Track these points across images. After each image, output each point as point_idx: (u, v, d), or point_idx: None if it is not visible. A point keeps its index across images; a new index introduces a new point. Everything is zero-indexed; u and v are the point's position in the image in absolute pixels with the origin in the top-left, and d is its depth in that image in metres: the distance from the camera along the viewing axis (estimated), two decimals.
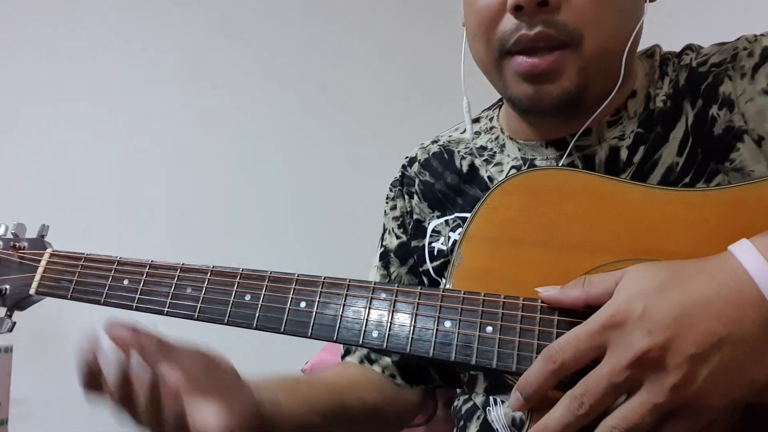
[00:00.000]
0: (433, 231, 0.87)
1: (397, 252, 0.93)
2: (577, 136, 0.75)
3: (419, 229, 0.90)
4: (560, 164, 0.77)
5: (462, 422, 0.80)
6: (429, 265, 0.87)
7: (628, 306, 0.51)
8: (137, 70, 2.00)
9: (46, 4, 1.92)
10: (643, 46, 0.81)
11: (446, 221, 0.85)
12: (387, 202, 0.96)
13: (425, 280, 0.89)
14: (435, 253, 0.86)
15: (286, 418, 0.73)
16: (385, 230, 0.96)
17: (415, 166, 0.93)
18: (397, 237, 0.94)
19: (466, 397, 0.81)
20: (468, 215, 0.70)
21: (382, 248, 0.95)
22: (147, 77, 2.01)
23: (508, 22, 0.70)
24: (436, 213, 0.87)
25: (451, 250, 0.83)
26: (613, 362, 0.50)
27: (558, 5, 0.68)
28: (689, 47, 0.79)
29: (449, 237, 0.84)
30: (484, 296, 0.62)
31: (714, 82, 0.73)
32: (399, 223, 0.94)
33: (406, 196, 0.93)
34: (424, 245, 0.88)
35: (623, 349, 0.50)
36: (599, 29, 0.69)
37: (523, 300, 0.61)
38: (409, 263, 0.92)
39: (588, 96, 0.72)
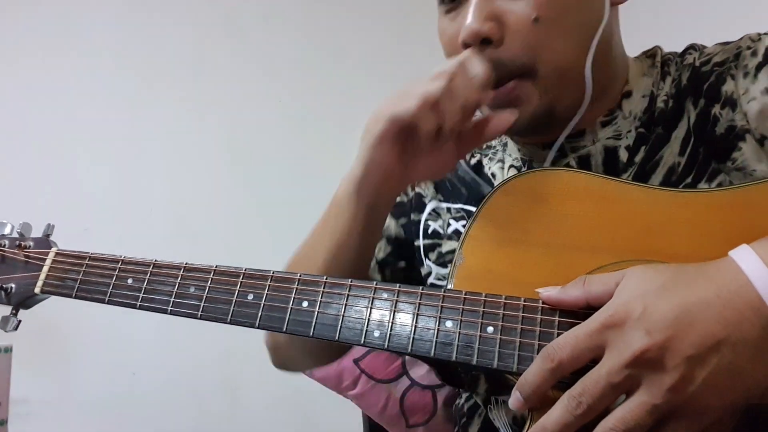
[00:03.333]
0: (432, 211, 0.87)
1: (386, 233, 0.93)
2: (562, 137, 0.76)
3: (419, 204, 0.90)
4: (551, 166, 0.77)
5: (464, 420, 0.80)
6: (421, 242, 0.87)
7: (628, 306, 0.51)
8: (138, 69, 2.01)
9: (46, 3, 1.93)
10: (645, 46, 0.82)
11: (448, 208, 0.86)
12: None
13: (415, 256, 0.89)
14: (429, 231, 0.86)
15: None
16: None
17: None
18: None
19: (468, 395, 0.81)
20: (472, 208, 0.70)
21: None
22: (147, 77, 2.02)
23: None
24: (439, 196, 0.88)
25: (449, 236, 0.84)
26: (611, 362, 0.50)
27: (501, 39, 0.69)
28: (692, 47, 0.79)
29: (449, 223, 0.85)
30: (485, 296, 0.62)
31: (716, 82, 0.73)
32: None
33: None
34: (420, 220, 0.88)
35: (622, 348, 0.50)
36: (549, 53, 0.70)
37: (524, 300, 0.61)
38: (402, 221, 0.92)
39: (559, 110, 0.73)
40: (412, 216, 0.91)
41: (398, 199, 0.93)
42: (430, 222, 0.87)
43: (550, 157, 0.78)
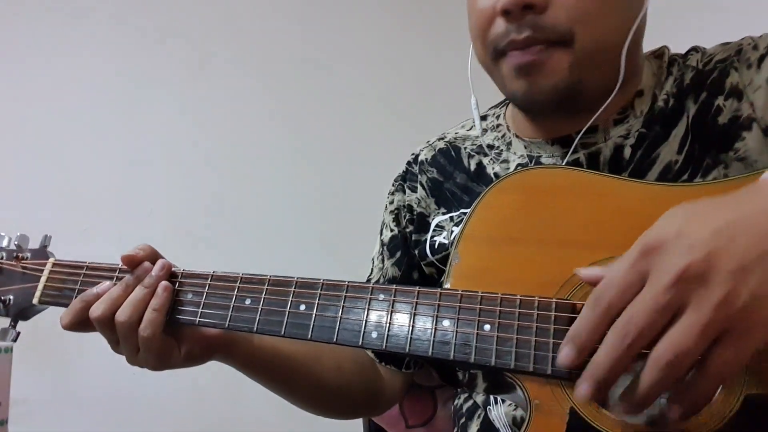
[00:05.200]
0: (437, 226, 0.88)
1: (389, 245, 0.95)
2: (581, 133, 0.75)
3: (423, 224, 0.90)
4: (565, 161, 0.77)
5: (463, 420, 0.80)
6: (432, 258, 0.87)
7: (662, 231, 0.50)
8: (137, 69, 2.00)
9: (46, 3, 1.92)
10: (650, 46, 0.82)
11: (451, 217, 0.86)
12: (388, 197, 0.98)
13: (427, 271, 0.89)
14: (436, 246, 0.86)
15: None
16: (383, 225, 0.98)
17: (422, 162, 0.94)
18: (391, 230, 0.95)
19: (467, 395, 0.81)
20: None
21: (380, 242, 0.97)
22: (147, 77, 2.01)
23: (499, 25, 0.71)
24: (442, 210, 0.88)
25: (452, 242, 0.84)
26: (655, 284, 0.48)
27: (545, 6, 0.68)
28: (694, 48, 0.80)
29: (452, 231, 0.85)
30: (482, 295, 0.63)
31: (720, 76, 0.73)
32: (394, 216, 0.95)
33: (408, 190, 0.94)
34: (426, 239, 0.89)
35: (664, 269, 0.48)
36: (591, 26, 0.69)
37: (521, 297, 0.61)
38: (396, 255, 0.93)
39: (586, 92, 0.72)
40: (415, 237, 0.91)
41: (390, 234, 0.95)
42: (435, 237, 0.87)
43: (564, 153, 0.78)
